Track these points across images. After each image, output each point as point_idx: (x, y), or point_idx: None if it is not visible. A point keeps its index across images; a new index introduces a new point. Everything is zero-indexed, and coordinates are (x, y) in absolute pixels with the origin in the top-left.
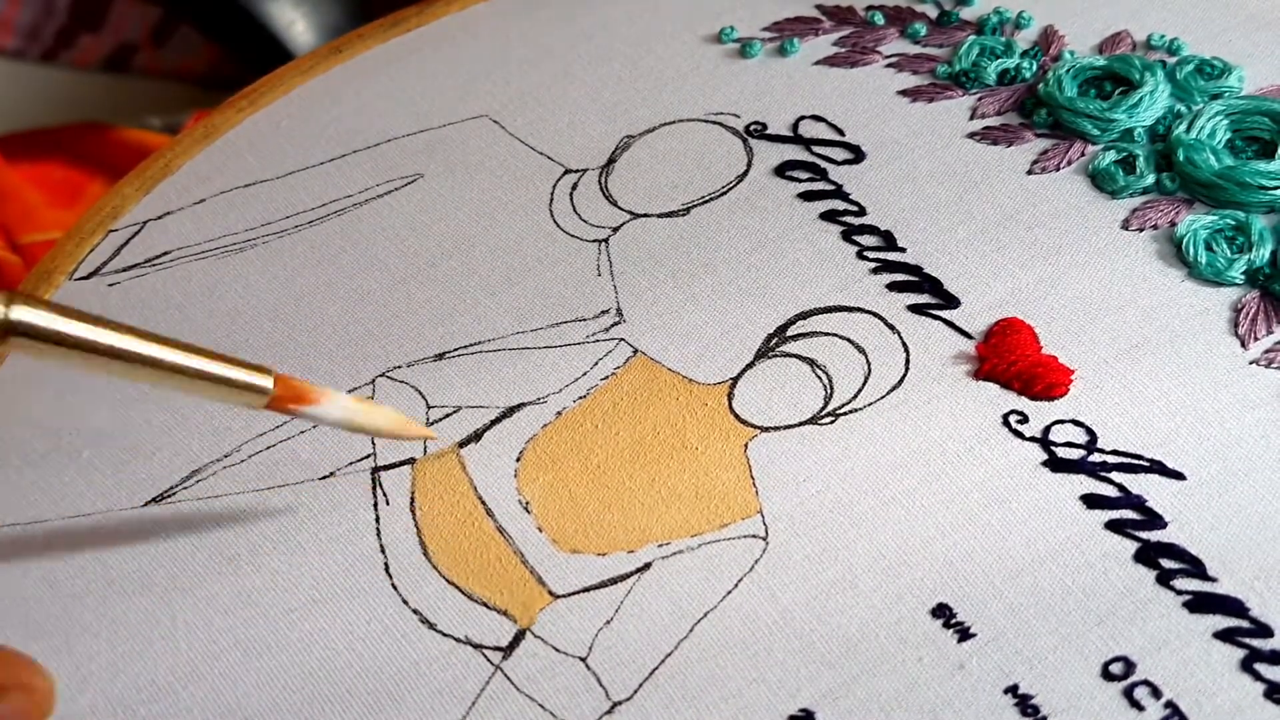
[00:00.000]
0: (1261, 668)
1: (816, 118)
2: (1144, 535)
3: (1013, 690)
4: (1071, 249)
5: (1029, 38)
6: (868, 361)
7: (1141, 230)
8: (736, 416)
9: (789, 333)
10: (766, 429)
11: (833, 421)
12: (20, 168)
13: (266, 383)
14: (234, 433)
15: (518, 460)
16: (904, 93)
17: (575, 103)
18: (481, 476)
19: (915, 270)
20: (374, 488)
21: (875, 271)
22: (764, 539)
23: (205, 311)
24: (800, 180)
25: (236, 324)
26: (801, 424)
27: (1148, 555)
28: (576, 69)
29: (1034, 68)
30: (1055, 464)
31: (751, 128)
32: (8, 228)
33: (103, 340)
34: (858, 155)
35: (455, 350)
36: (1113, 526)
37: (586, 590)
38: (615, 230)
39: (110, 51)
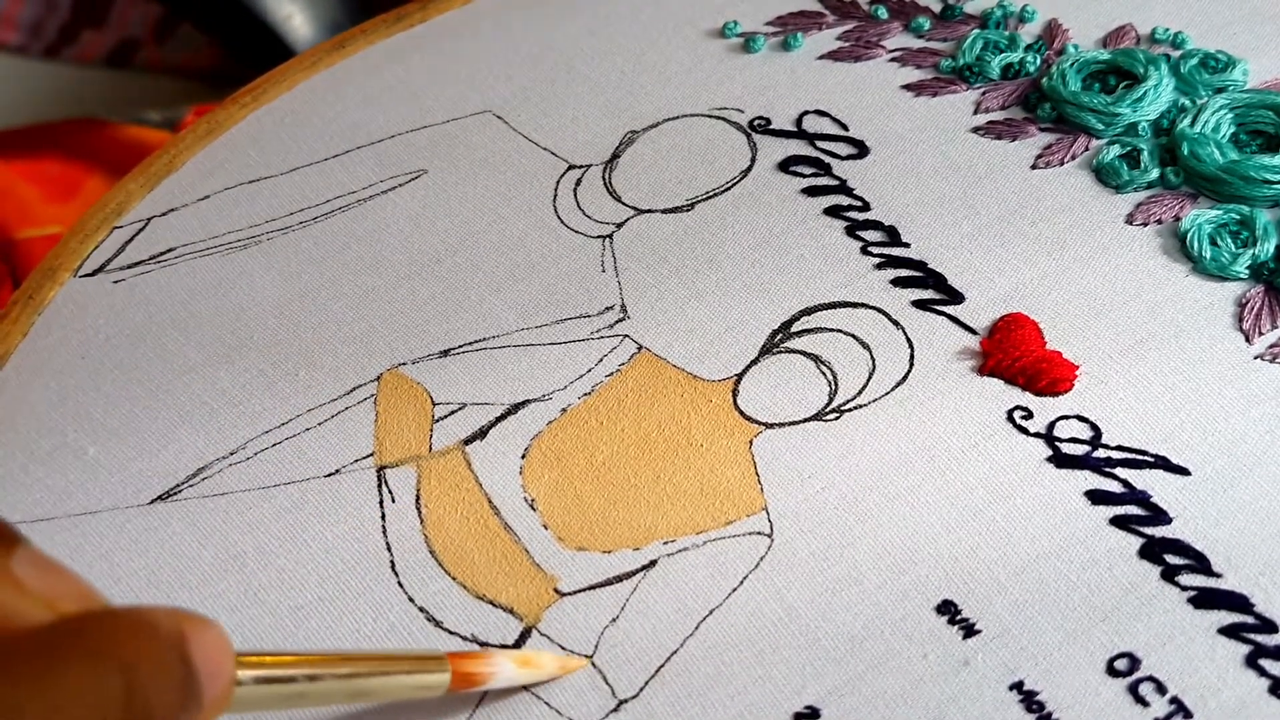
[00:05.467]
0: (1266, 663)
1: (820, 113)
2: (1148, 531)
3: (1018, 687)
4: (1076, 244)
5: (1033, 32)
6: (872, 357)
7: (1146, 225)
8: (741, 413)
9: (793, 329)
10: (771, 425)
11: (837, 418)
12: (16, 163)
13: (444, 678)
14: (239, 430)
15: (523, 457)
16: (908, 87)
17: (579, 98)
18: (487, 474)
19: (919, 266)
20: (379, 485)
21: (879, 267)
22: (769, 536)
23: (210, 308)
24: (804, 175)
25: (241, 320)
26: (806, 420)
27: (1152, 551)
28: (580, 64)
29: (1038, 62)
30: (1060, 460)
31: (755, 123)
32: (4, 223)
33: (295, 691)
34: (861, 150)
35: (460, 347)
36: (1117, 522)
37: (592, 588)
38: (619, 226)
39: (113, 47)
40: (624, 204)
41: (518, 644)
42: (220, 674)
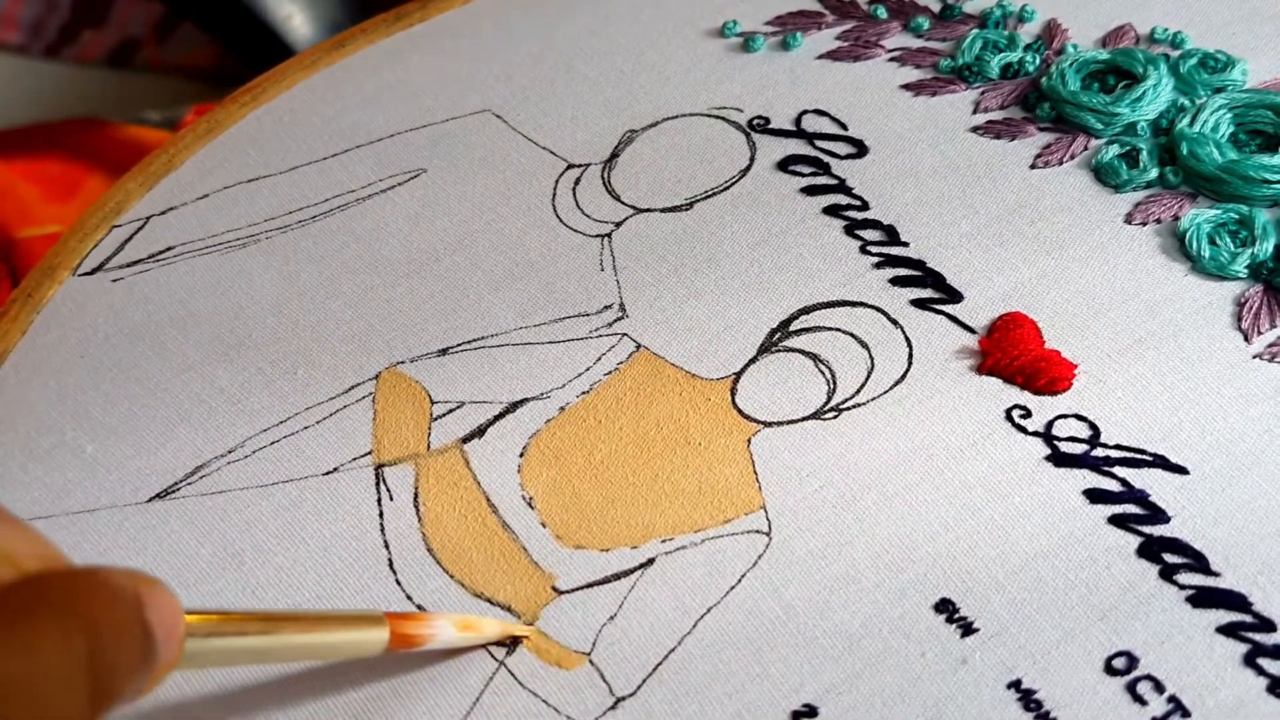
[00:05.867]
0: (1264, 662)
1: (819, 112)
2: (1147, 530)
3: (1016, 685)
4: (1074, 243)
5: (1032, 31)
6: (871, 356)
7: (1145, 224)
8: (740, 411)
9: (792, 328)
10: (770, 424)
11: (836, 417)
12: (16, 163)
13: (382, 635)
14: (238, 428)
15: (521, 456)
16: (907, 87)
17: (578, 97)
18: (485, 472)
19: (918, 265)
20: (377, 484)
21: (878, 266)
22: (767, 534)
23: (209, 306)
24: (803, 175)
25: (240, 319)
26: (805, 419)
27: (1151, 550)
28: (579, 63)
29: (1037, 61)
30: (1058, 459)
31: (754, 122)
32: (4, 222)
33: (238, 644)
34: (860, 150)
35: (459, 345)
36: (1116, 521)
37: (590, 586)
38: (618, 225)
39: (113, 47)
40: (623, 203)
41: (516, 641)
42: (173, 633)
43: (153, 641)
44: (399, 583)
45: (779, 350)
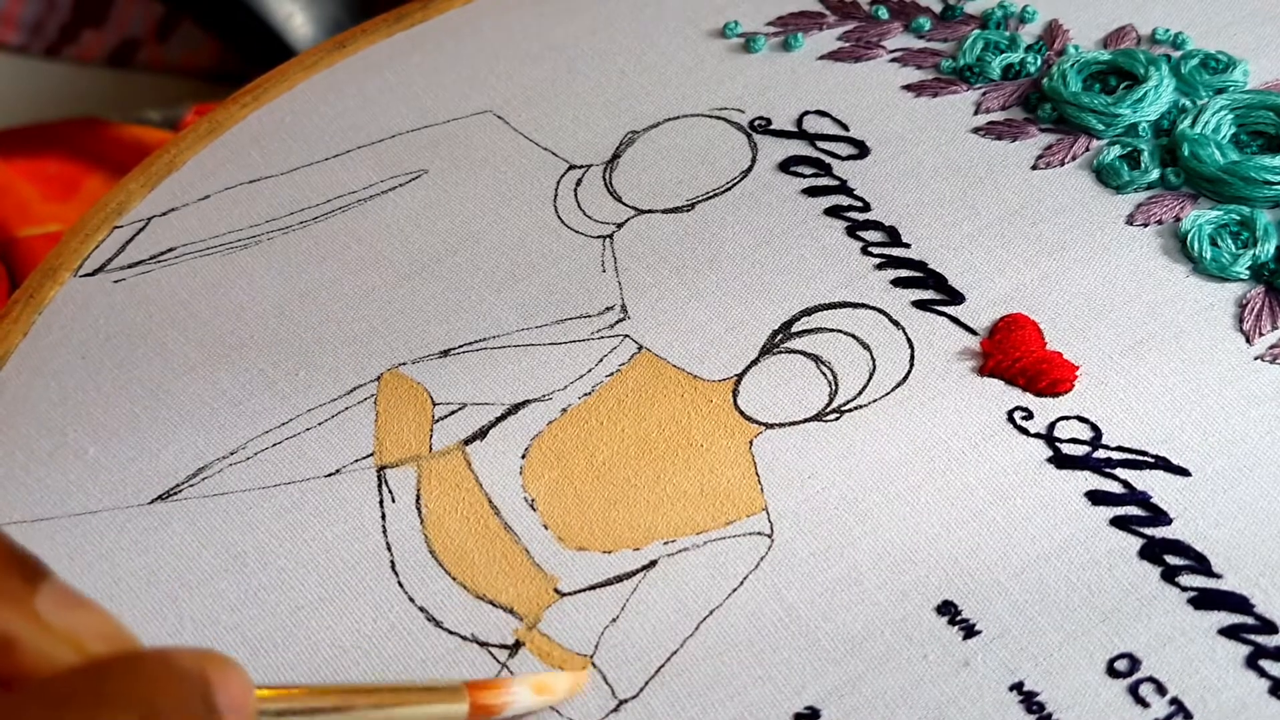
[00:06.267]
0: (1266, 664)
1: (821, 113)
2: (1149, 532)
3: (1018, 687)
4: (1076, 244)
5: (1033, 32)
6: (872, 358)
7: (1146, 225)
8: (741, 413)
9: (794, 329)
10: (771, 426)
11: (838, 418)
12: (15, 162)
13: (461, 708)
14: (239, 430)
15: (523, 457)
16: (908, 88)
17: (579, 98)
18: (487, 474)
19: (920, 266)
20: (379, 485)
21: (880, 267)
22: (769, 536)
23: (210, 308)
24: (804, 176)
25: (241, 320)
26: (806, 421)
27: (1152, 552)
28: (580, 64)
29: (1038, 62)
30: (1060, 460)
31: (756, 123)
32: (4, 222)
33: None
34: (862, 151)
35: (460, 347)
36: (1117, 523)
37: (592, 588)
38: (620, 226)
39: (114, 46)
40: (624, 204)
41: (518, 644)
42: (244, 715)
43: None
44: (401, 585)
45: (781, 352)
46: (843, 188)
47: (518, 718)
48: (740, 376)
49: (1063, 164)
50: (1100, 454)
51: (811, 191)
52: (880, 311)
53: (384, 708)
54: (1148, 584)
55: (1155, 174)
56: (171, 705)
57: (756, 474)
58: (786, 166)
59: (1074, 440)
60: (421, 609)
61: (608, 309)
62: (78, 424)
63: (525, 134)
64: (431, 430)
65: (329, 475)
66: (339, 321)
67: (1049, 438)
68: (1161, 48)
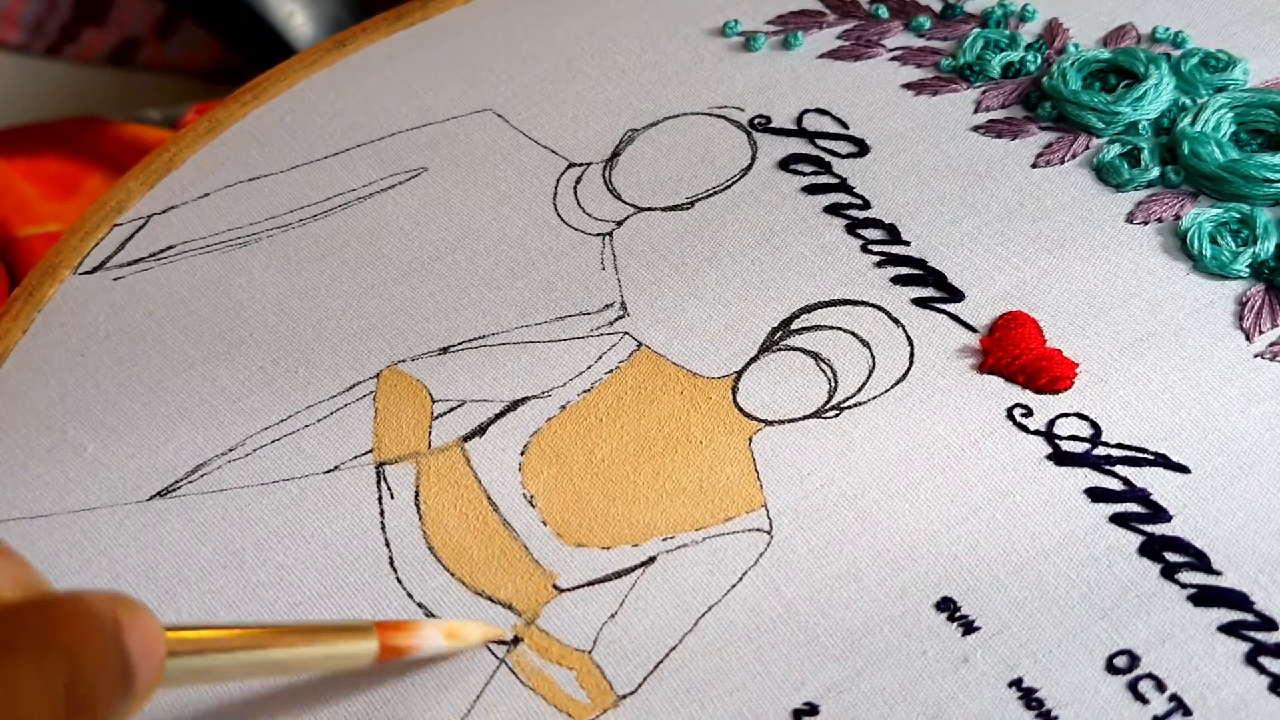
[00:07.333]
0: (1266, 661)
1: (821, 111)
2: (1148, 529)
3: (1017, 684)
4: (1076, 242)
5: (1033, 31)
6: (872, 355)
7: (1146, 223)
8: (741, 410)
9: (793, 326)
10: (771, 423)
11: (837, 415)
12: (15, 161)
13: (371, 646)
14: (238, 427)
15: (522, 454)
16: (908, 86)
17: (579, 96)
18: (486, 470)
19: (919, 264)
20: (378, 482)
21: (879, 265)
22: (768, 533)
23: (210, 305)
24: (804, 174)
25: (241, 317)
26: (806, 418)
27: (1152, 549)
28: (580, 63)
29: (1038, 61)
30: (1060, 458)
31: (755, 121)
32: (4, 221)
33: (223, 661)
34: (862, 149)
35: (459, 344)
36: (1117, 520)
37: (591, 584)
38: (619, 224)
39: (114, 46)
40: (624, 202)
41: (517, 639)
42: (153, 656)
43: (131, 666)
44: (400, 581)
45: (780, 349)
46: (842, 185)
47: (426, 660)
48: (740, 373)
49: (1063, 162)
50: (1100, 451)
51: (811, 189)
52: (880, 309)
53: (294, 647)
54: (1147, 581)
55: (1155, 172)
56: (84, 647)
57: (756, 471)
58: (786, 164)
59: (1073, 437)
60: (420, 605)
61: (607, 306)
62: (77, 421)
63: (525, 132)
64: (430, 427)
65: (328, 472)
66: (338, 319)
67: (1048, 435)
68: (1161, 46)
